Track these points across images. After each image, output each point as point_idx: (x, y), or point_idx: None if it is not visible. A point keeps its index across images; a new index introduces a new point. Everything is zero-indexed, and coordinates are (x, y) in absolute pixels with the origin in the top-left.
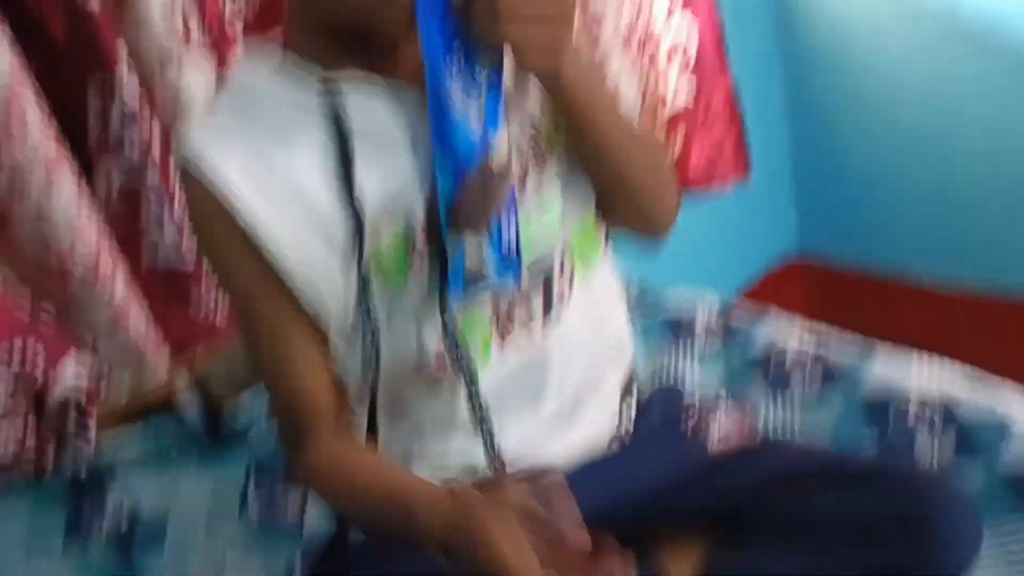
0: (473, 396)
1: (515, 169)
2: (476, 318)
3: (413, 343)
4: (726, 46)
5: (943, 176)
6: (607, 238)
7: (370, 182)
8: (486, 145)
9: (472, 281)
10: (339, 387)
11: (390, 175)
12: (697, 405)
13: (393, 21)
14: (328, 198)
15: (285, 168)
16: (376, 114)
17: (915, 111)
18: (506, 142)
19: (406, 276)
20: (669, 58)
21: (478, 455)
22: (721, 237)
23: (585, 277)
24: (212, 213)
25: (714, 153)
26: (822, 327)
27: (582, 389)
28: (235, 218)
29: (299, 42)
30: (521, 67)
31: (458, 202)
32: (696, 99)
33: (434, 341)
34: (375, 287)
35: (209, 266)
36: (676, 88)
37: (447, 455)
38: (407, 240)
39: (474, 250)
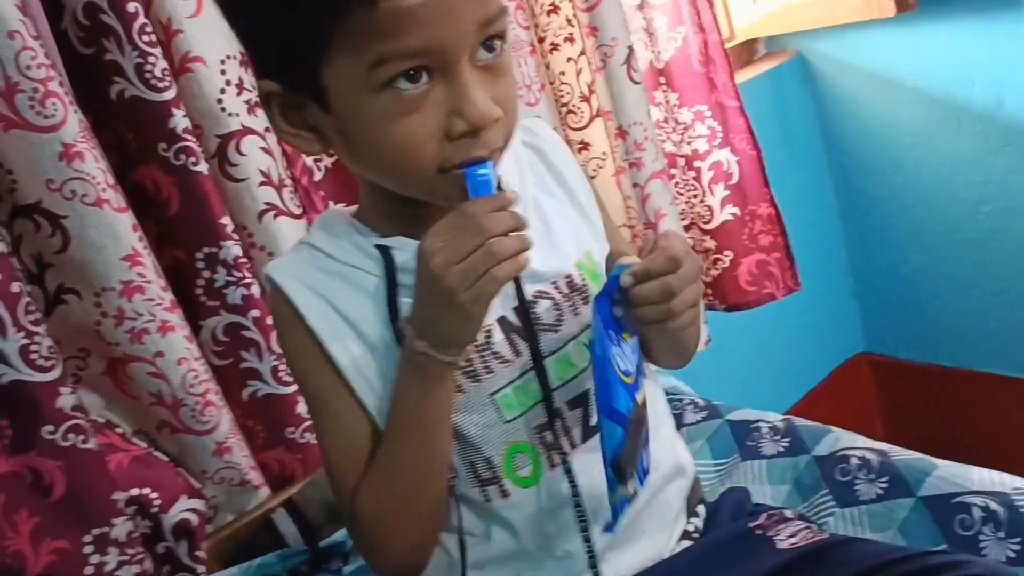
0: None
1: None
2: (524, 443)
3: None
4: (766, 170)
5: (996, 272)
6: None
7: None
8: (635, 395)
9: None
10: None
11: None
12: (766, 505)
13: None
14: (380, 333)
15: (342, 307)
16: None
17: (964, 209)
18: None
19: None
20: (712, 178)
21: None
22: (789, 343)
23: None
24: (292, 325)
25: (762, 266)
26: (884, 444)
27: (638, 512)
28: (306, 324)
29: (365, 212)
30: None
31: (622, 454)
32: (740, 215)
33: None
34: None
35: (290, 369)
36: (720, 203)
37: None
38: None
39: (632, 487)
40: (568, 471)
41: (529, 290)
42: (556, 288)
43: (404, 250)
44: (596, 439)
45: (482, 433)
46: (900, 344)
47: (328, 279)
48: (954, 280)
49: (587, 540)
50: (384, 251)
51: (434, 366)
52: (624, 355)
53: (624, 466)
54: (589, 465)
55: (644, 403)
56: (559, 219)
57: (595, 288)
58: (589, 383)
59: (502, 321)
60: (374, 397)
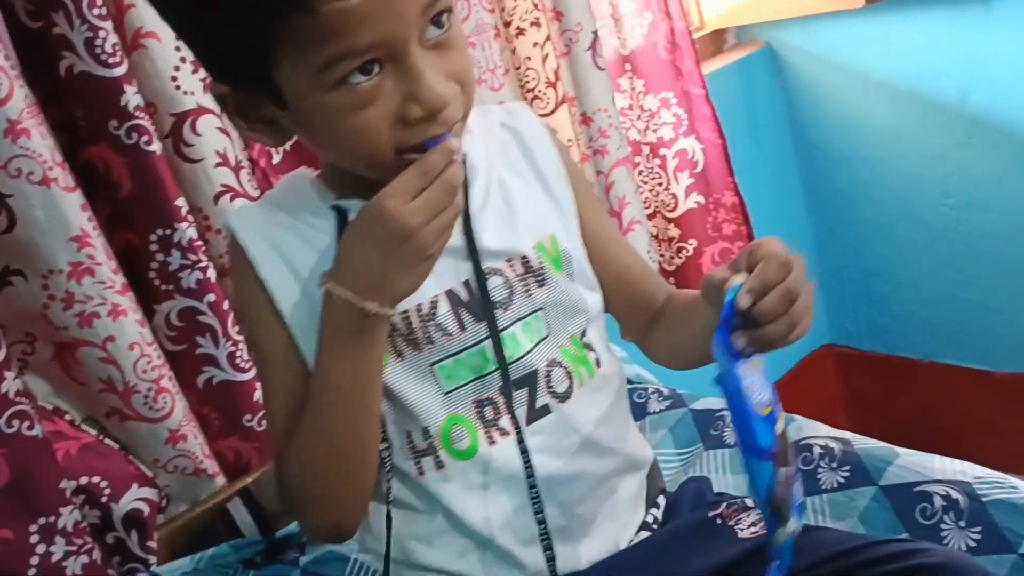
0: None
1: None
2: (462, 416)
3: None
4: (730, 160)
5: (959, 264)
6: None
7: None
8: (774, 424)
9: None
10: None
11: None
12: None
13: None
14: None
15: (296, 262)
16: None
17: (929, 202)
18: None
19: (387, 363)
20: (677, 166)
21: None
22: None
23: (576, 392)
24: (245, 276)
25: (725, 255)
26: (846, 433)
27: (585, 507)
28: (260, 280)
29: (326, 176)
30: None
31: (777, 494)
32: (704, 205)
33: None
34: None
35: (239, 319)
36: (685, 192)
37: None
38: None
39: (794, 524)
40: (524, 452)
41: (482, 265)
42: (510, 266)
43: (357, 212)
44: (544, 421)
45: (420, 402)
46: (865, 336)
47: (283, 232)
48: (918, 272)
49: (541, 523)
50: (339, 211)
51: (372, 321)
52: (756, 385)
53: (780, 504)
54: (542, 450)
55: (784, 432)
56: (524, 200)
57: (553, 273)
58: (537, 364)
59: (449, 293)
60: (312, 352)
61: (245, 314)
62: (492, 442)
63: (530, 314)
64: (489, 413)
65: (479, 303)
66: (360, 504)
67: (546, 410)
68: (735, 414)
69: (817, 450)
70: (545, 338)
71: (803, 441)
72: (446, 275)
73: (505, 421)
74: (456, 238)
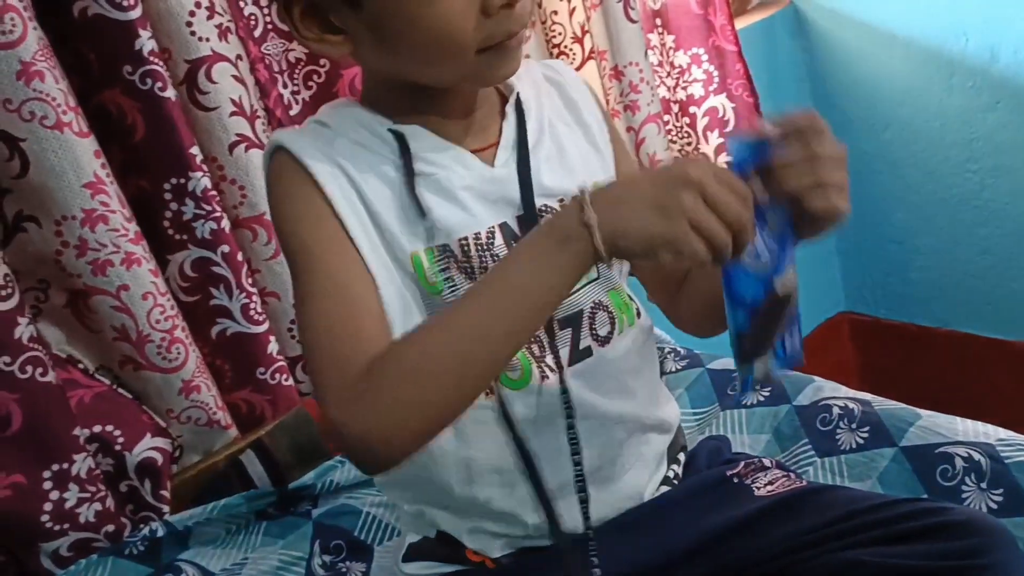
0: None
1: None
2: None
3: None
4: (762, 117)
5: (980, 232)
6: (639, 312)
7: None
8: (770, 283)
9: (758, 385)
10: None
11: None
12: (744, 454)
13: (472, 91)
14: (391, 220)
15: (358, 179)
16: (443, 161)
17: (952, 167)
18: (792, 274)
19: (442, 291)
20: (707, 125)
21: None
22: None
23: (616, 338)
24: (302, 187)
25: None
26: (866, 394)
27: (617, 451)
28: (317, 187)
29: (373, 102)
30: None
31: (747, 335)
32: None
33: None
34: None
35: (282, 226)
36: (714, 152)
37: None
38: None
39: (761, 366)
40: (565, 392)
41: (537, 202)
42: (562, 205)
43: (418, 139)
44: (585, 363)
45: None
46: (881, 304)
47: (342, 151)
48: (938, 239)
49: (578, 464)
50: (399, 137)
51: (583, 244)
52: (760, 242)
53: (747, 347)
54: (583, 390)
55: (789, 293)
56: (572, 145)
57: None
58: (583, 305)
59: (504, 226)
60: (376, 265)
61: (289, 221)
62: (543, 377)
63: None
64: (536, 349)
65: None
66: (440, 429)
67: (588, 352)
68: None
69: (836, 411)
70: (595, 279)
71: (822, 401)
72: (503, 208)
73: (550, 359)
74: (513, 171)
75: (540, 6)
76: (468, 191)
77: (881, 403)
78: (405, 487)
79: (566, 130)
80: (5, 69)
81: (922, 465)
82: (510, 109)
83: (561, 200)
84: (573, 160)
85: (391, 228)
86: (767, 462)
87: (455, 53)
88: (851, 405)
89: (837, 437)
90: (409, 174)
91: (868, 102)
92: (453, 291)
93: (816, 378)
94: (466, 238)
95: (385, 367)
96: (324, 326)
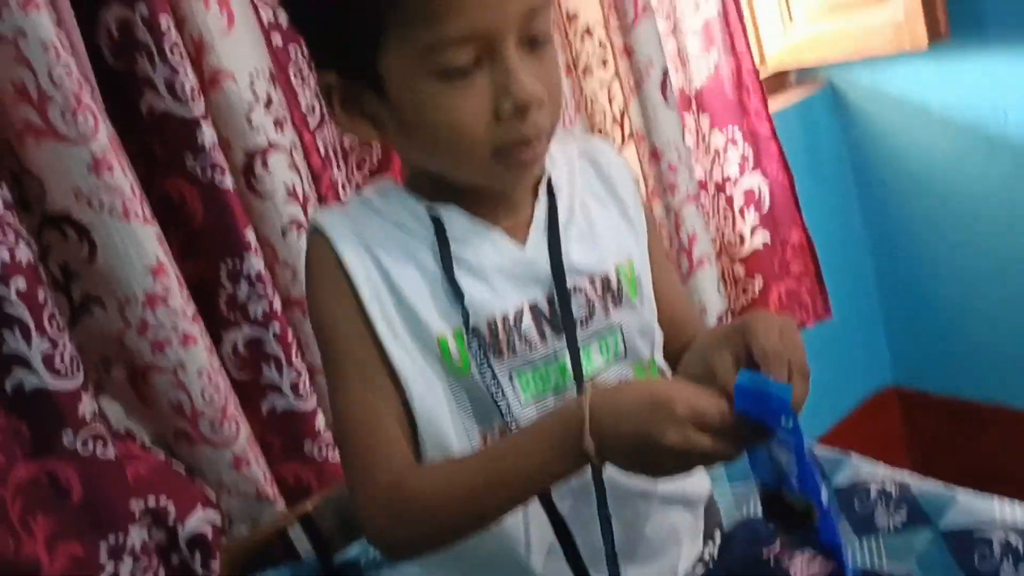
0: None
1: (584, 312)
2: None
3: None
4: (798, 197)
5: None
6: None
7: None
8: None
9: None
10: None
11: (483, 291)
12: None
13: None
14: (426, 304)
15: (388, 263)
16: (476, 243)
17: (997, 240)
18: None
19: (468, 371)
20: (744, 204)
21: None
22: (815, 374)
23: None
24: (330, 274)
25: (792, 295)
26: (904, 472)
27: (644, 525)
28: (348, 281)
29: (412, 182)
30: None
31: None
32: (771, 242)
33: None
34: (443, 378)
35: (315, 316)
36: (751, 231)
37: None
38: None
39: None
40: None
41: (567, 282)
42: (592, 285)
43: (453, 221)
44: None
45: (496, 411)
46: (930, 377)
47: (376, 234)
48: (985, 312)
49: (608, 540)
50: (435, 218)
51: (581, 461)
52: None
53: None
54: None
55: (805, 511)
56: (604, 223)
57: (629, 295)
58: (609, 383)
59: (533, 307)
60: (399, 353)
61: (323, 315)
62: None
63: (608, 333)
64: None
65: (561, 318)
66: (454, 545)
67: None
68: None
69: (874, 491)
70: (621, 357)
71: (859, 481)
72: (533, 288)
73: None
74: (543, 252)
75: (582, 91)
76: (499, 272)
77: (919, 483)
78: (446, 563)
79: (598, 206)
80: (78, 162)
81: (960, 548)
82: (541, 191)
83: (591, 278)
84: (603, 237)
85: (419, 312)
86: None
87: (468, 153)
88: (888, 486)
89: (874, 517)
90: (447, 258)
91: (909, 176)
92: (481, 372)
93: (853, 456)
94: (494, 319)
95: (409, 501)
96: (353, 428)
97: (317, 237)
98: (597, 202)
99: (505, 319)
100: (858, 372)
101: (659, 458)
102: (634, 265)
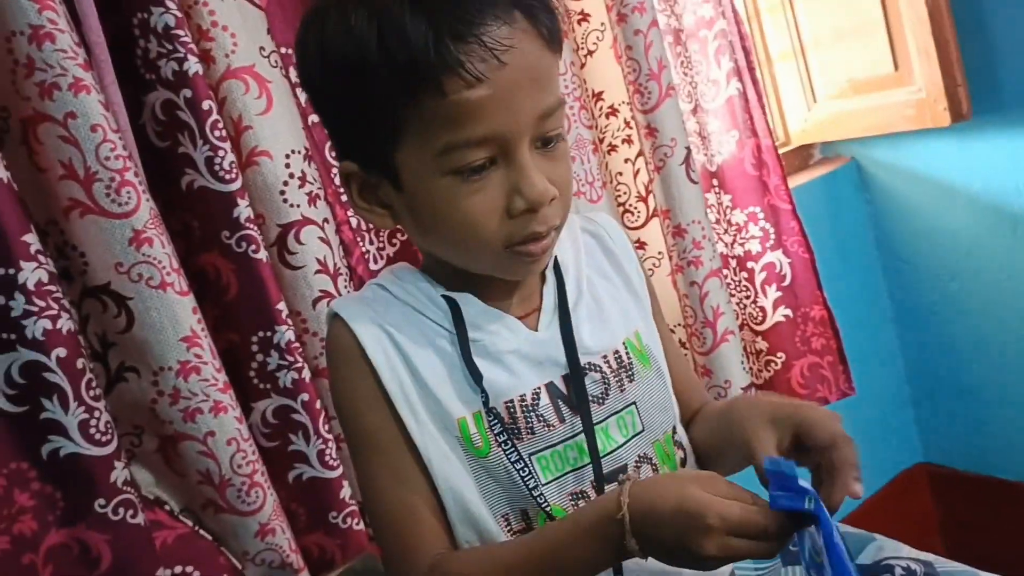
0: None
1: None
2: (558, 508)
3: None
4: (818, 273)
5: None
6: (683, 461)
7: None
8: None
9: None
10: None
11: (500, 374)
12: None
13: (507, 276)
14: (445, 387)
15: (407, 347)
16: (491, 327)
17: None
18: None
19: (488, 453)
20: (765, 279)
21: None
22: None
23: None
24: (351, 360)
25: (814, 369)
26: (928, 554)
27: None
28: (368, 364)
29: (428, 266)
30: None
31: None
32: (792, 318)
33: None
34: (464, 459)
35: (339, 403)
36: (772, 305)
37: None
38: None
39: None
40: None
41: (580, 361)
42: (606, 362)
43: (469, 306)
44: None
45: (519, 490)
46: (961, 456)
47: (394, 318)
48: (1016, 391)
49: None
50: (451, 303)
51: (626, 555)
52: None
53: None
54: None
55: None
56: (610, 299)
57: (641, 368)
58: (627, 459)
59: (550, 386)
60: (421, 437)
61: (347, 402)
62: None
63: (623, 409)
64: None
65: (575, 397)
66: None
67: None
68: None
69: (899, 571)
70: (639, 433)
71: (884, 560)
72: (548, 368)
73: None
74: (555, 334)
75: (607, 168)
76: (514, 355)
77: (943, 564)
78: None
79: (604, 283)
80: (119, 236)
81: None
82: (549, 274)
83: (604, 356)
84: (611, 314)
85: (438, 395)
86: None
87: (480, 248)
88: (913, 566)
89: None
90: (464, 341)
91: (934, 253)
92: (502, 453)
93: (878, 536)
94: (512, 400)
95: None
96: (388, 521)
97: (337, 323)
98: (602, 278)
99: (523, 399)
100: (887, 450)
101: (700, 564)
102: (641, 336)
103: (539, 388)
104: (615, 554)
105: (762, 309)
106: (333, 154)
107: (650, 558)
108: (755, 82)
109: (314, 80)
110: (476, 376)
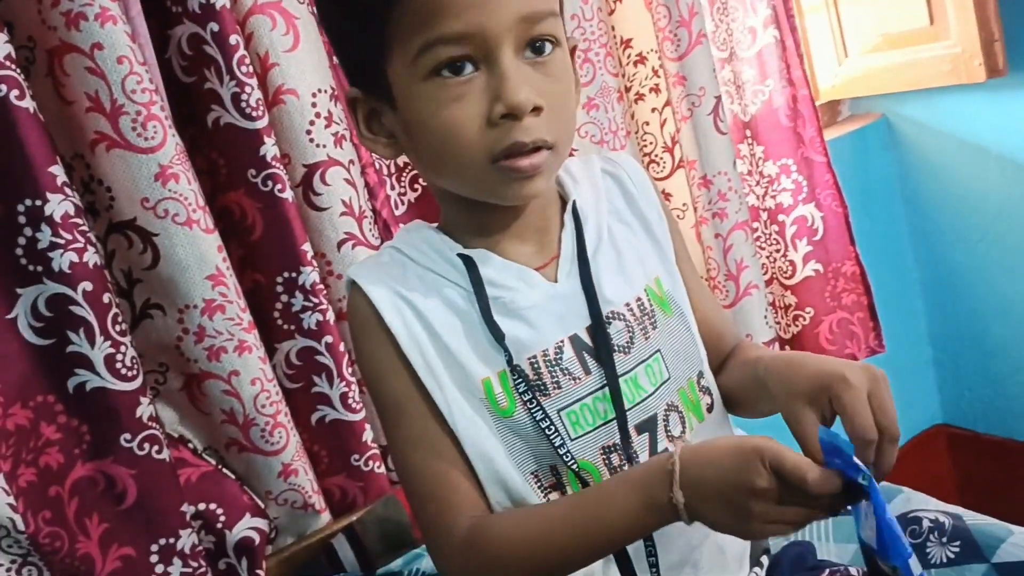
0: None
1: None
2: (589, 463)
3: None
4: (852, 228)
5: None
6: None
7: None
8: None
9: None
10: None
11: (521, 329)
12: (830, 562)
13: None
14: (464, 346)
15: (425, 311)
16: (510, 283)
17: None
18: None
19: (513, 412)
20: (796, 233)
21: None
22: None
23: (688, 436)
24: (370, 328)
25: (843, 325)
26: (957, 507)
27: (692, 552)
28: (389, 334)
29: (446, 226)
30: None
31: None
32: (823, 273)
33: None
34: (491, 422)
35: (363, 372)
36: (803, 259)
37: None
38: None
39: None
40: None
41: (603, 311)
42: (629, 310)
43: (487, 263)
44: None
45: (546, 447)
46: (980, 417)
47: (411, 281)
48: None
49: (654, 567)
50: (468, 261)
51: (669, 514)
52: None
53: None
54: None
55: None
56: (629, 246)
57: (663, 315)
58: (657, 409)
59: (573, 339)
60: (444, 402)
61: (371, 370)
62: None
63: (650, 357)
64: (615, 459)
65: (600, 348)
66: None
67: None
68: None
69: (927, 523)
70: (666, 380)
71: (912, 513)
72: (570, 320)
73: (627, 468)
74: (576, 284)
75: (633, 117)
76: (535, 309)
77: (973, 517)
78: None
79: (624, 229)
80: (146, 172)
81: None
82: (568, 219)
83: (627, 304)
84: (631, 262)
85: (460, 357)
86: (853, 571)
87: (465, 161)
88: (941, 518)
89: (927, 550)
90: (483, 300)
91: (961, 214)
92: (527, 412)
93: (905, 489)
94: (535, 356)
95: (488, 545)
96: (422, 488)
97: (354, 292)
98: (622, 224)
99: (546, 355)
100: (907, 410)
101: (749, 505)
102: (661, 283)
103: (562, 341)
104: (659, 512)
105: (792, 263)
106: None
107: (693, 524)
108: (793, 30)
109: (320, 4)
110: (498, 335)
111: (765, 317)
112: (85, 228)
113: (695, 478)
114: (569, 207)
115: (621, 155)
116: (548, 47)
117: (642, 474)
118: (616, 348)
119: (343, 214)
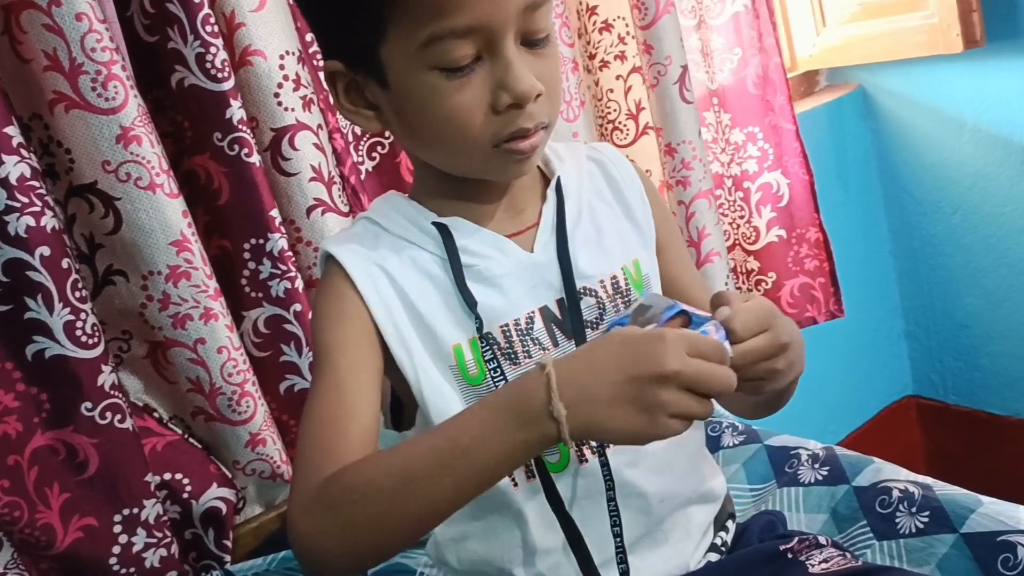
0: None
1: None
2: None
3: None
4: (816, 196)
5: None
6: None
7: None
8: None
9: None
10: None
11: (494, 297)
12: (799, 531)
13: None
14: (438, 314)
15: (399, 278)
16: (484, 250)
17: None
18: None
19: (483, 380)
20: (760, 199)
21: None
22: (834, 381)
23: None
24: (341, 294)
25: (804, 290)
26: (927, 478)
27: (658, 525)
28: (357, 292)
29: (419, 194)
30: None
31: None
32: (786, 239)
33: None
34: (458, 389)
35: (313, 325)
36: (767, 225)
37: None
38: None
39: None
40: (607, 470)
41: (576, 285)
42: (602, 287)
43: (462, 231)
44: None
45: None
46: (950, 389)
47: (384, 250)
48: (1007, 326)
49: (618, 537)
50: (442, 230)
51: (546, 426)
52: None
53: None
54: (623, 468)
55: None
56: (610, 225)
57: (637, 296)
58: None
59: (544, 310)
60: (412, 369)
61: (322, 319)
62: (582, 460)
63: None
64: None
65: (571, 321)
66: (378, 556)
67: None
68: None
69: (896, 493)
70: None
71: (882, 483)
72: (543, 292)
73: (592, 441)
74: (551, 256)
75: (597, 84)
76: (508, 277)
77: (942, 488)
78: (458, 560)
79: (605, 209)
80: (107, 133)
81: (983, 553)
82: (551, 192)
83: (600, 281)
84: (609, 240)
85: (433, 325)
86: (823, 540)
87: (467, 146)
88: (911, 488)
89: (896, 520)
90: (456, 267)
91: (936, 185)
92: (495, 379)
93: (876, 459)
94: (507, 324)
95: (334, 485)
96: (311, 430)
97: (330, 263)
98: (604, 204)
99: (517, 323)
100: (878, 381)
101: (657, 394)
102: (640, 266)
103: (533, 312)
104: (537, 432)
105: (755, 229)
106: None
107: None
108: None
109: None
110: (471, 302)
111: (726, 283)
112: (43, 191)
113: (580, 382)
114: (553, 182)
115: (606, 145)
116: (543, 33)
117: (508, 392)
118: (586, 323)
119: (312, 179)
